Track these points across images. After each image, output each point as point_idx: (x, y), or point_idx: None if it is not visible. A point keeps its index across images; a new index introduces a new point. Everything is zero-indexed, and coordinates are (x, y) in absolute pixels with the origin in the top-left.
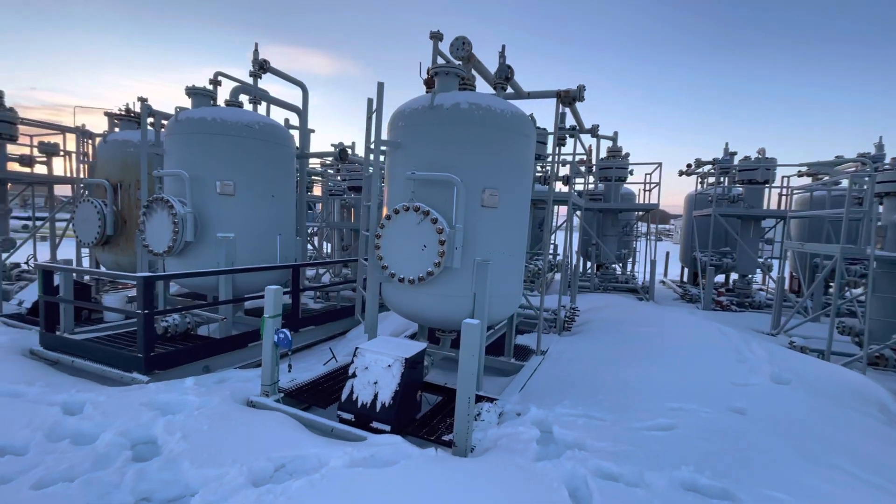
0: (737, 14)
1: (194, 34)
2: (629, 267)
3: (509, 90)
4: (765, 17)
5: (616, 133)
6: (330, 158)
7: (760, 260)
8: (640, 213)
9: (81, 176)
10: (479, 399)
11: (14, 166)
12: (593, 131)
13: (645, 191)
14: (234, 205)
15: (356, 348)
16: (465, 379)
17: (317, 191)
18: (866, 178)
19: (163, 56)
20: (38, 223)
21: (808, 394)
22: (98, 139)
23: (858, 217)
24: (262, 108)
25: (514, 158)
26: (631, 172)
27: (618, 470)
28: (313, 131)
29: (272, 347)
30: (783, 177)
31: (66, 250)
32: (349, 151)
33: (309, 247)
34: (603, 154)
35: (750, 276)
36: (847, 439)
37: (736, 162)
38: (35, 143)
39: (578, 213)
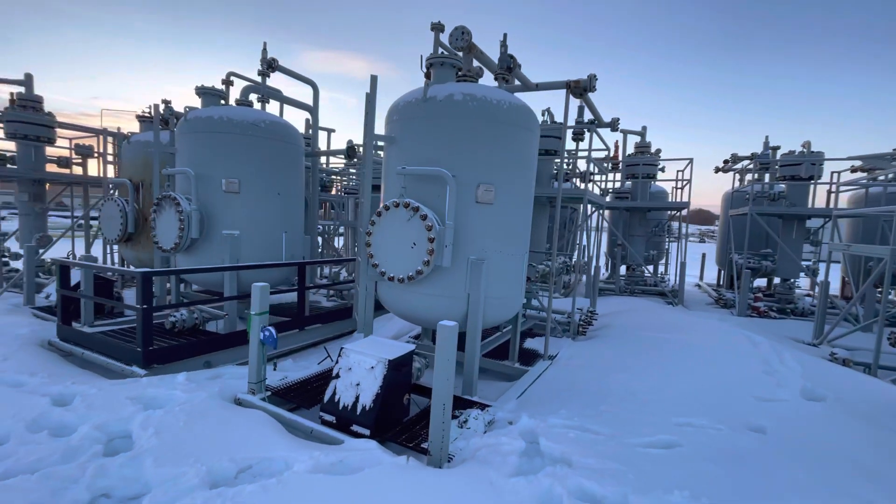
0: (776, 6)
1: (239, 40)
2: (661, 269)
3: (516, 83)
4: (807, 8)
5: (644, 128)
6: (342, 156)
7: (807, 263)
8: (672, 212)
9: (111, 176)
10: (470, 405)
11: (53, 168)
12: (613, 125)
13: (676, 189)
14: (240, 202)
15: (341, 348)
16: (441, 385)
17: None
18: None
19: (209, 61)
20: (73, 221)
21: (845, 413)
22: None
23: None
24: (273, 108)
25: (513, 152)
26: (662, 170)
27: (600, 491)
28: (334, 130)
29: (258, 345)
30: (832, 172)
31: (100, 247)
32: (357, 149)
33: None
34: (630, 150)
35: (793, 280)
36: (887, 470)
37: (778, 157)
38: (72, 145)
39: (605, 212)
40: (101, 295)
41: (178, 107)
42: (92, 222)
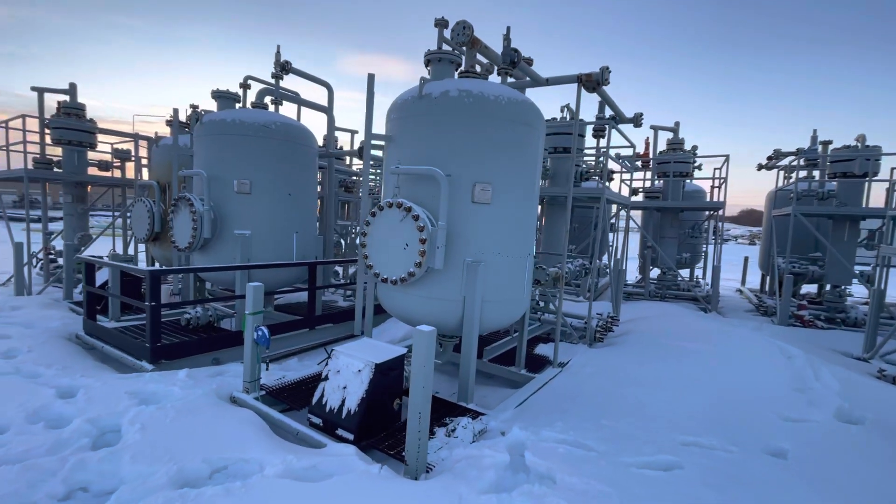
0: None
1: (286, 43)
2: (698, 273)
3: (526, 78)
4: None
5: (677, 123)
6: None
7: (863, 268)
8: (709, 212)
9: (145, 179)
10: (464, 412)
11: (93, 171)
12: (636, 121)
13: (713, 187)
14: (251, 203)
15: (332, 350)
16: (417, 393)
17: None
18: None
19: (253, 65)
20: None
21: (884, 439)
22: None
23: None
24: (291, 110)
25: (513, 150)
26: (699, 167)
27: None
28: (356, 132)
29: (252, 344)
30: (892, 169)
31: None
32: None
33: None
34: (662, 147)
35: (844, 287)
36: None
37: (828, 152)
38: (112, 149)
39: (634, 212)
40: (129, 291)
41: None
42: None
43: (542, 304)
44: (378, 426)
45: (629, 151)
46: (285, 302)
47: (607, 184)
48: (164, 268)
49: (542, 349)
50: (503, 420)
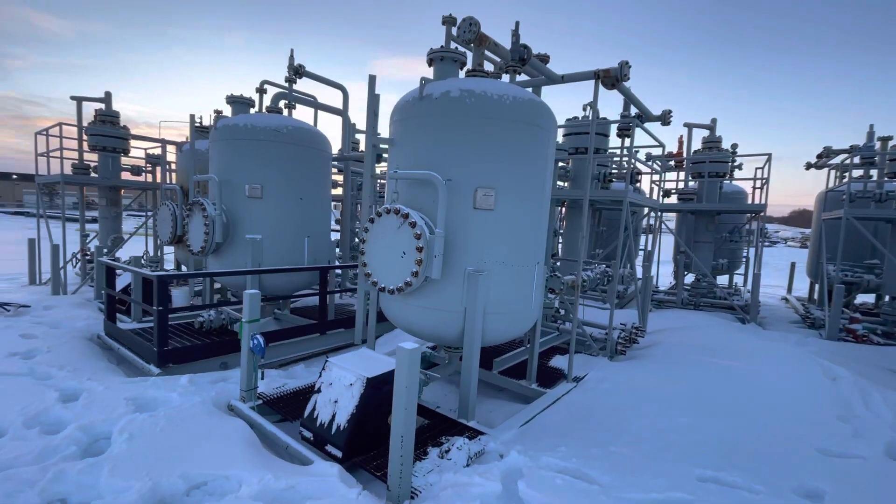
0: None
1: (319, 49)
2: (739, 279)
3: (540, 76)
4: None
5: (714, 121)
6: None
7: None
8: (749, 215)
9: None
10: (463, 430)
11: (126, 175)
12: (664, 119)
13: (754, 188)
14: (262, 207)
15: (326, 361)
16: (400, 415)
17: None
18: None
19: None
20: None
21: None
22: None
23: None
24: (308, 114)
25: (519, 152)
26: (739, 167)
27: None
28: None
29: (249, 353)
30: None
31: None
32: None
33: None
34: (698, 146)
35: None
36: None
37: (887, 149)
38: (145, 155)
39: (666, 215)
40: (150, 294)
41: None
42: None
43: (562, 312)
44: (370, 443)
45: (659, 151)
46: (302, 305)
47: (637, 185)
48: (172, 273)
49: (558, 361)
50: (504, 441)
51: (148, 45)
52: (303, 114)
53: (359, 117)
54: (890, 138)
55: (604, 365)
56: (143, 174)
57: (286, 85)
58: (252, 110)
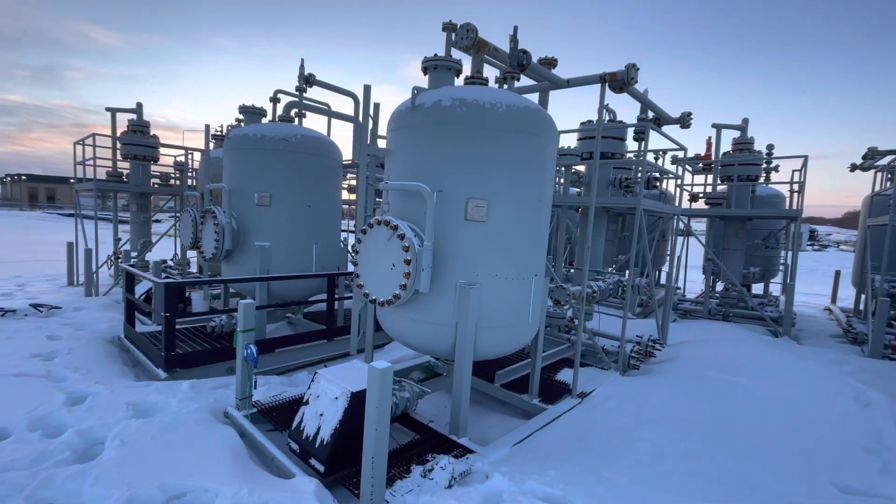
0: None
1: (354, 56)
2: (775, 288)
3: (544, 82)
4: None
5: (745, 121)
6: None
7: None
8: (786, 220)
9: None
10: (452, 448)
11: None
12: (683, 121)
13: (791, 192)
14: (271, 215)
15: (315, 372)
16: (370, 435)
17: None
18: None
19: (337, 75)
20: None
21: None
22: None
23: None
24: (317, 122)
25: (513, 162)
26: (776, 169)
27: None
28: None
29: (244, 362)
30: None
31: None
32: None
33: None
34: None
35: None
36: None
37: None
38: (174, 162)
39: (693, 221)
40: (173, 297)
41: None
42: None
43: (575, 322)
44: (354, 458)
45: (681, 155)
46: (317, 310)
47: (663, 190)
48: (181, 280)
49: (566, 375)
50: (493, 461)
51: (195, 54)
52: (318, 122)
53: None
54: None
55: (614, 380)
56: (172, 180)
57: (301, 94)
58: (266, 119)
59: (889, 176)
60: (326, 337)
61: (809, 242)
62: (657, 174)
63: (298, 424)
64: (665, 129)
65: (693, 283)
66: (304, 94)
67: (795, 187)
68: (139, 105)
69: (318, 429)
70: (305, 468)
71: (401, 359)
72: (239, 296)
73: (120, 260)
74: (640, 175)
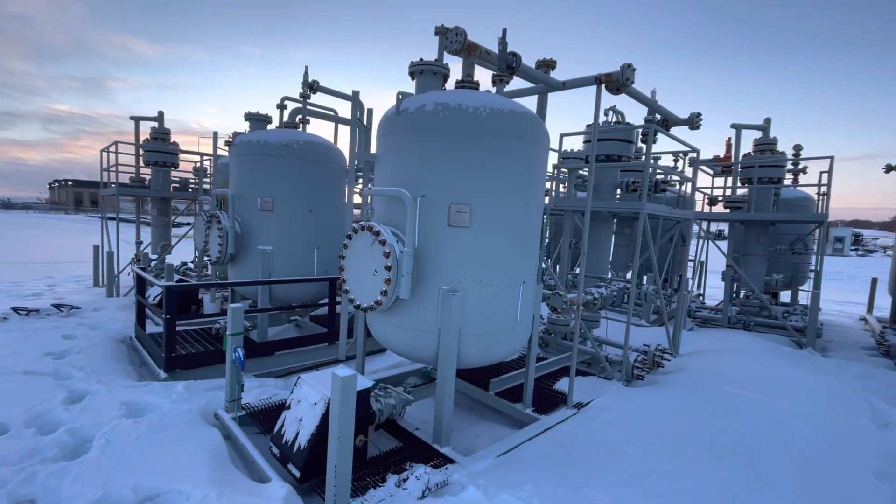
0: None
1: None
2: (803, 297)
3: (539, 85)
4: None
5: (767, 120)
6: None
7: None
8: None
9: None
10: (432, 457)
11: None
12: (692, 122)
13: (819, 195)
14: (273, 220)
15: (298, 377)
16: (333, 444)
17: None
18: None
19: (364, 82)
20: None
21: None
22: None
23: None
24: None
25: (498, 166)
26: (803, 171)
27: None
28: None
29: (232, 365)
30: None
31: None
32: None
33: None
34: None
35: None
36: None
37: None
38: (193, 168)
39: (711, 225)
40: (186, 298)
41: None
42: None
43: (581, 329)
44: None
45: (703, 157)
46: (323, 313)
47: (681, 193)
48: (182, 283)
49: (565, 384)
50: (473, 472)
51: (225, 63)
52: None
53: None
54: None
55: (616, 391)
56: (192, 185)
57: (312, 100)
58: (268, 126)
59: None
60: (328, 340)
61: (853, 247)
62: (666, 177)
63: (279, 429)
64: (675, 131)
65: (716, 289)
66: (309, 100)
67: (823, 190)
68: (160, 113)
69: (297, 434)
70: (284, 473)
71: (398, 364)
72: (247, 299)
73: (139, 263)
74: (648, 178)
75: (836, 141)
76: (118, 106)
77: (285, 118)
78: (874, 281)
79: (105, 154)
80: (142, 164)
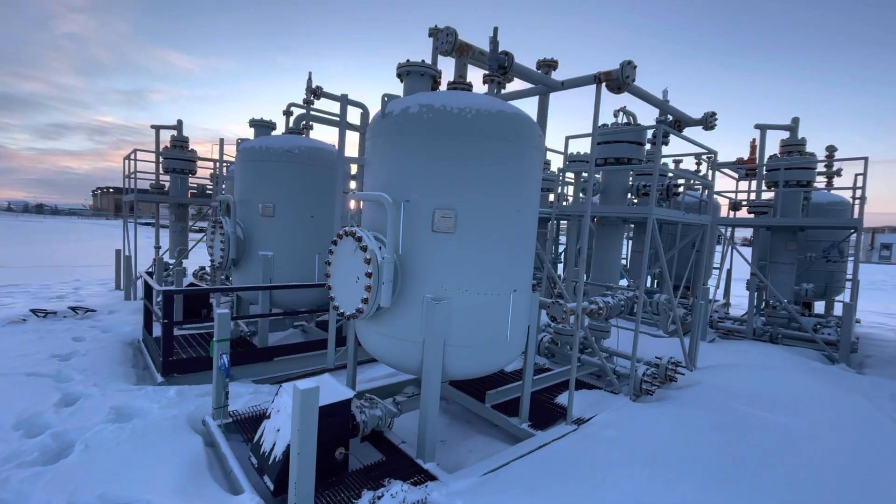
0: None
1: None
2: (835, 308)
3: (538, 85)
4: None
5: (795, 120)
6: None
7: None
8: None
9: None
10: (413, 474)
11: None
12: (706, 122)
13: (853, 199)
14: (275, 225)
15: (280, 386)
16: (294, 461)
17: None
18: None
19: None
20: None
21: None
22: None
23: None
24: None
25: (485, 169)
26: (838, 173)
27: None
28: None
29: (219, 372)
30: None
31: None
32: None
33: None
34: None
35: None
36: None
37: None
38: (209, 174)
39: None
40: (196, 301)
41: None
42: None
43: (591, 339)
44: None
45: (724, 159)
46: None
47: (704, 197)
48: (179, 288)
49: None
50: (453, 491)
51: (258, 73)
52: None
53: None
54: None
55: (621, 406)
56: (207, 192)
57: (319, 106)
58: (272, 133)
59: None
60: (325, 347)
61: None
62: (678, 180)
63: (259, 438)
64: (691, 132)
65: (743, 298)
66: (319, 107)
67: (858, 193)
68: (179, 122)
69: (274, 445)
70: (260, 485)
71: (396, 372)
72: (253, 304)
73: (150, 267)
74: (657, 181)
75: (873, 143)
76: (158, 117)
77: (290, 124)
78: None
79: (127, 161)
80: (161, 170)
